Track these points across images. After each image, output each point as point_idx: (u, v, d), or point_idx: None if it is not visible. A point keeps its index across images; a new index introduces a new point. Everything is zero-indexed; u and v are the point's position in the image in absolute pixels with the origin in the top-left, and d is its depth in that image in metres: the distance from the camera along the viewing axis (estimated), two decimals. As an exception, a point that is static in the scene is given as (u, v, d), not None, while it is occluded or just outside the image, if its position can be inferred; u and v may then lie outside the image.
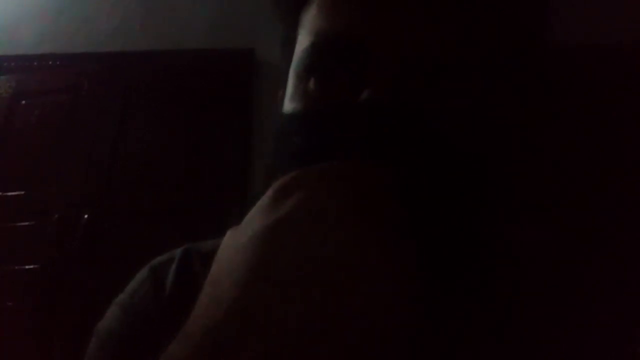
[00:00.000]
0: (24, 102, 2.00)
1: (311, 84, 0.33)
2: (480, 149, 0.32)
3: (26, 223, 1.81)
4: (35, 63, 2.06)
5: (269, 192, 0.26)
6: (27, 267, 1.74)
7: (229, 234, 0.27)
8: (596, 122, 1.62)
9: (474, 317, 0.31)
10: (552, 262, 0.40)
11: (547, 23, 0.36)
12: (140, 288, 0.42)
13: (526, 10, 0.35)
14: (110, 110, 1.94)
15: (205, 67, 1.96)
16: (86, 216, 1.77)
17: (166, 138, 1.89)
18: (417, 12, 0.31)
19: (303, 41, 0.34)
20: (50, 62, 2.06)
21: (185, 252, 0.44)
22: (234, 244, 0.25)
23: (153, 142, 1.89)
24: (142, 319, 0.40)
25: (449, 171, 0.30)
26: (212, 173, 1.83)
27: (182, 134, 1.90)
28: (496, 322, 0.33)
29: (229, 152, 1.86)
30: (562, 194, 1.49)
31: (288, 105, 0.35)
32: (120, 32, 2.11)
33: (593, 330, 0.34)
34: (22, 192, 1.86)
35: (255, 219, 0.26)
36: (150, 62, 1.99)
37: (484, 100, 0.32)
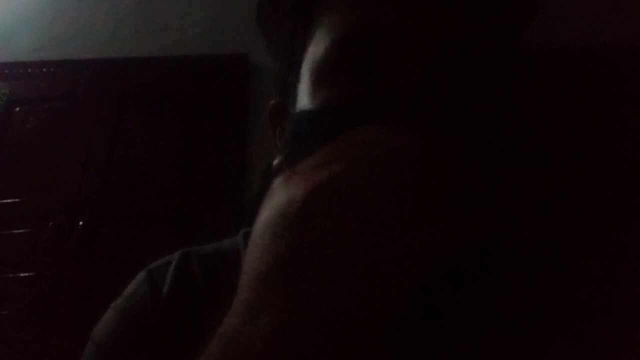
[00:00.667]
0: (18, 109, 1.99)
1: (339, 79, 0.32)
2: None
3: (22, 230, 1.80)
4: (30, 70, 2.06)
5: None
6: (22, 274, 1.73)
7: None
8: (597, 122, 1.63)
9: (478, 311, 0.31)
10: (552, 262, 0.40)
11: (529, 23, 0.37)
12: (137, 291, 0.42)
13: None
14: (105, 116, 1.94)
15: (200, 73, 1.96)
16: (82, 223, 1.76)
17: (162, 144, 1.89)
18: (445, 4, 0.31)
19: (323, 38, 0.34)
20: (45, 69, 2.05)
21: (183, 255, 0.44)
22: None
23: (149, 148, 1.88)
24: (138, 322, 0.40)
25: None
26: (208, 178, 1.83)
27: (178, 139, 1.89)
28: (497, 320, 0.33)
29: (225, 157, 1.86)
30: (563, 193, 1.50)
31: (309, 103, 0.34)
32: (115, 39, 2.11)
33: (593, 330, 0.34)
34: (18, 199, 1.85)
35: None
36: (145, 68, 1.99)
37: (509, 96, 0.33)
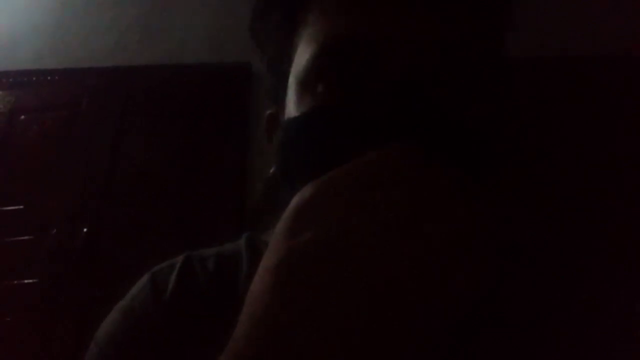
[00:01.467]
0: (23, 117, 2.00)
1: (320, 88, 0.33)
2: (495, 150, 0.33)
3: (25, 237, 1.80)
4: (34, 78, 2.07)
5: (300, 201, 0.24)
6: (25, 281, 1.74)
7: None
8: (597, 125, 1.64)
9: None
10: (552, 263, 0.40)
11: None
12: (140, 293, 0.42)
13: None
14: (109, 124, 1.95)
15: (203, 81, 1.98)
16: (85, 230, 1.77)
17: (164, 151, 1.90)
18: (421, 11, 0.32)
19: (305, 50, 0.34)
20: (49, 78, 2.07)
21: (186, 258, 0.44)
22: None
23: (151, 156, 1.89)
24: (141, 324, 0.40)
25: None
26: (210, 186, 1.83)
27: (180, 147, 1.90)
28: (499, 319, 0.33)
29: (227, 163, 1.86)
30: (562, 193, 1.50)
31: (294, 113, 0.34)
32: (118, 47, 2.12)
33: (594, 330, 0.35)
34: (21, 207, 1.86)
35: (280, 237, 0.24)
36: (149, 77, 2.01)
37: (493, 101, 0.34)
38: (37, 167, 1.90)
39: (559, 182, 1.53)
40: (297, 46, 0.36)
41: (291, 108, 0.35)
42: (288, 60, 0.37)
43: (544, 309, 0.36)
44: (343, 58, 0.33)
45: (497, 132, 0.34)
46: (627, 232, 1.32)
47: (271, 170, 0.39)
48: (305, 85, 0.34)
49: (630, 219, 1.43)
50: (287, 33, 0.37)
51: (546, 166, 1.53)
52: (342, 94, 0.32)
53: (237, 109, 1.93)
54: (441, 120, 0.30)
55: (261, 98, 1.89)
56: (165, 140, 1.91)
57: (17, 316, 1.68)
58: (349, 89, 0.32)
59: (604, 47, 1.75)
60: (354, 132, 0.30)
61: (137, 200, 1.83)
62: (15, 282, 1.73)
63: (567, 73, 1.72)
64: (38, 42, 2.17)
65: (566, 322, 0.36)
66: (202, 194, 1.83)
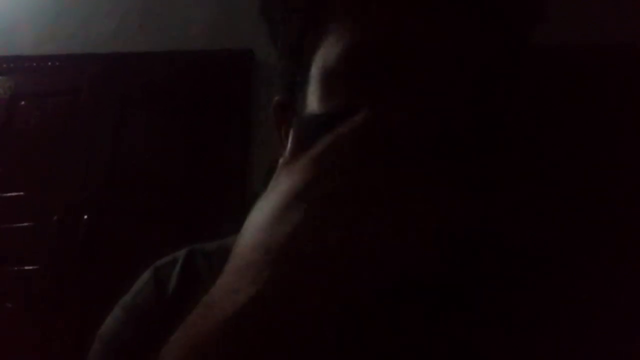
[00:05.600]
0: (23, 103, 2.00)
1: (348, 87, 0.32)
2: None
3: (26, 224, 1.81)
4: (34, 64, 2.06)
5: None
6: (26, 268, 1.74)
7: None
8: (598, 122, 1.63)
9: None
10: (553, 263, 0.40)
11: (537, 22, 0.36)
12: (143, 289, 0.42)
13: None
14: (109, 110, 1.94)
15: (205, 68, 1.96)
16: (86, 217, 1.77)
17: (166, 139, 1.89)
18: (450, 13, 0.31)
19: (335, 43, 0.33)
20: (49, 63, 2.06)
21: (189, 252, 0.44)
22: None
23: (152, 143, 1.89)
24: (145, 320, 0.40)
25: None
26: (211, 174, 1.83)
27: (182, 134, 1.90)
28: (500, 319, 0.33)
29: (229, 153, 1.86)
30: (562, 194, 1.49)
31: (320, 107, 0.33)
32: (119, 34, 2.11)
33: (594, 330, 0.34)
34: (22, 193, 1.86)
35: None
36: (150, 63, 1.99)
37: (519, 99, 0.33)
38: (38, 153, 1.90)
39: (559, 177, 1.53)
40: (325, 36, 0.34)
41: (313, 102, 0.34)
42: (310, 50, 0.35)
43: (544, 309, 0.36)
44: (376, 62, 0.31)
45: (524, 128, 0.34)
46: (628, 231, 1.32)
47: (280, 160, 0.38)
48: (332, 82, 0.33)
49: (632, 217, 1.43)
50: (311, 19, 0.36)
51: (546, 162, 1.52)
52: (371, 98, 0.31)
53: (239, 96, 1.92)
54: (474, 141, 0.29)
55: (264, 85, 1.88)
56: (166, 127, 1.91)
57: (17, 303, 1.69)
58: (379, 95, 0.31)
59: (604, 37, 1.73)
60: (377, 144, 0.30)
61: (138, 187, 1.82)
62: (16, 268, 1.74)
63: (570, 63, 1.71)
64: (38, 27, 2.16)
65: (566, 322, 0.35)
66: (204, 182, 1.83)
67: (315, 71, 0.34)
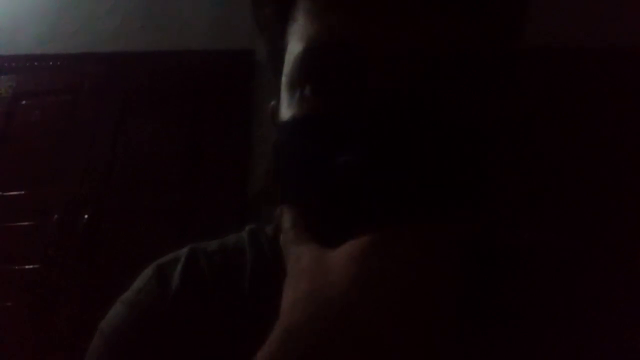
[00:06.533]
0: (24, 102, 2.00)
1: (307, 90, 0.33)
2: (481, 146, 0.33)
3: (26, 223, 1.81)
4: (35, 63, 2.06)
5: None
6: (27, 267, 1.74)
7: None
8: (594, 122, 1.63)
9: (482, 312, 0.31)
10: (552, 263, 0.40)
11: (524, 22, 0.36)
12: (146, 286, 0.42)
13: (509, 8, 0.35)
14: (110, 110, 1.94)
15: (206, 68, 1.96)
16: (86, 216, 1.77)
17: (166, 138, 1.89)
18: (407, 11, 0.31)
19: (294, 49, 0.34)
20: (50, 63, 2.06)
21: (191, 251, 0.44)
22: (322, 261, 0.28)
23: (153, 143, 1.89)
24: (146, 317, 0.40)
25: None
26: (212, 173, 1.83)
27: (182, 134, 1.90)
28: (500, 321, 0.33)
29: (229, 152, 1.86)
30: (562, 195, 1.49)
31: (285, 114, 0.35)
32: (120, 33, 2.11)
33: (595, 330, 0.34)
34: (22, 192, 1.86)
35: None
36: (150, 63, 2.00)
37: (477, 96, 0.33)
38: (39, 152, 1.90)
39: (560, 177, 1.53)
40: (288, 43, 0.35)
41: (283, 108, 0.35)
42: (280, 57, 0.37)
43: (544, 309, 0.36)
44: (329, 61, 0.32)
45: (497, 130, 0.34)
46: (628, 231, 1.32)
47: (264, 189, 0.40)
48: (293, 85, 0.34)
49: (632, 217, 1.43)
50: (279, 28, 0.37)
51: (548, 162, 1.52)
52: (328, 99, 0.32)
53: (241, 96, 1.92)
54: (427, 132, 0.30)
55: (265, 86, 1.88)
56: (167, 127, 1.91)
57: (17, 302, 1.69)
58: (336, 95, 0.32)
59: (604, 40, 1.73)
60: (338, 146, 0.30)
61: (138, 187, 1.83)
62: (16, 267, 1.74)
63: (572, 65, 1.71)
64: (39, 27, 2.16)
65: (567, 323, 0.36)
66: (205, 181, 1.83)
67: (283, 78, 0.36)
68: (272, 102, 0.43)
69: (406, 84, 0.30)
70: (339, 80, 0.32)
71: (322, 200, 0.31)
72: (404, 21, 0.31)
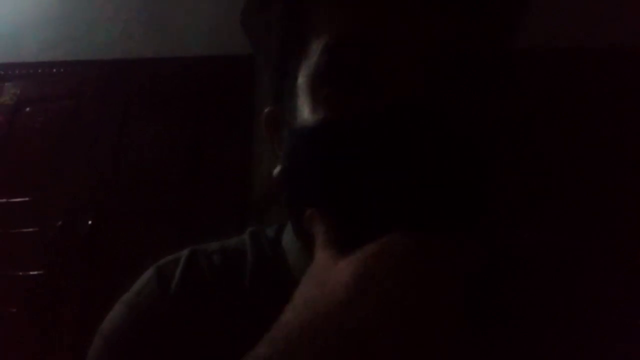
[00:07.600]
0: (28, 109, 2.01)
1: (327, 94, 0.33)
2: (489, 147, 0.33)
3: (29, 229, 1.81)
4: (39, 70, 2.07)
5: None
6: (30, 272, 1.75)
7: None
8: (594, 122, 1.62)
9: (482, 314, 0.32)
10: (552, 263, 0.40)
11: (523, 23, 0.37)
12: (146, 287, 0.42)
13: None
14: (112, 115, 1.95)
15: (207, 73, 1.97)
16: (90, 222, 1.78)
17: (168, 144, 1.90)
18: (426, 13, 0.31)
19: (313, 50, 0.34)
20: (53, 70, 2.07)
21: (191, 252, 0.45)
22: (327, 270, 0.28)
23: (155, 148, 1.89)
24: (147, 317, 0.40)
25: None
26: (213, 178, 1.84)
27: (184, 139, 1.90)
28: (500, 322, 0.33)
29: (231, 156, 1.86)
30: (562, 195, 1.49)
31: (308, 117, 0.34)
32: (122, 40, 2.12)
33: (595, 330, 0.35)
34: (26, 198, 1.86)
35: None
36: (152, 69, 2.00)
37: (477, 97, 0.33)
38: (42, 159, 1.91)
39: (560, 177, 1.52)
40: (307, 42, 0.35)
41: (304, 113, 0.34)
42: (294, 57, 0.36)
43: (544, 309, 0.36)
44: (347, 64, 0.32)
45: (497, 130, 0.34)
46: (628, 231, 1.31)
47: (275, 171, 0.39)
48: (317, 89, 0.33)
49: (632, 217, 1.42)
50: (291, 26, 0.36)
51: (548, 162, 1.52)
52: (355, 102, 0.32)
53: (241, 101, 1.92)
54: (442, 138, 0.30)
55: (265, 91, 1.89)
56: (169, 132, 1.91)
57: (21, 307, 1.70)
58: (363, 95, 0.32)
59: (604, 40, 1.73)
60: (357, 153, 0.30)
61: (141, 192, 1.83)
62: (20, 273, 1.74)
63: (572, 65, 1.70)
64: (42, 34, 2.17)
65: (567, 323, 0.36)
66: (206, 186, 1.83)
67: (301, 80, 0.35)
68: (268, 109, 0.42)
69: (421, 87, 0.30)
70: (358, 84, 0.32)
71: (345, 206, 0.31)
72: (423, 23, 0.31)
